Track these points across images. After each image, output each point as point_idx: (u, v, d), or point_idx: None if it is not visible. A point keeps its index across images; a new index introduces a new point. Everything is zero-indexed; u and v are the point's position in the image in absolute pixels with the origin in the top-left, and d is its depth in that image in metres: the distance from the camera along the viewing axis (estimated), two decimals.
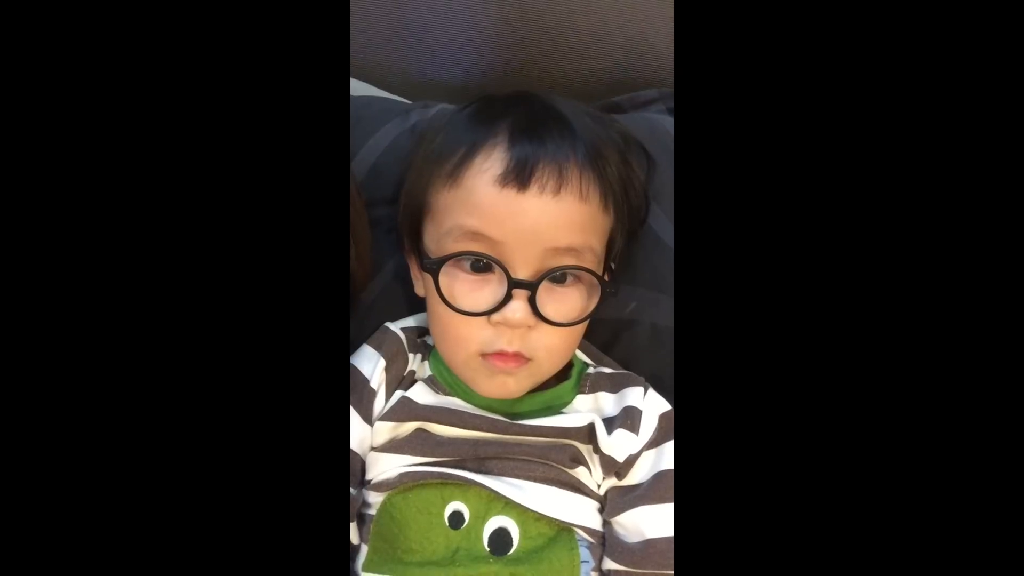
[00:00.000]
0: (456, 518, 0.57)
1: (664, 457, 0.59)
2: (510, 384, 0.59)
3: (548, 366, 0.60)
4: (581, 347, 0.66)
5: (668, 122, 0.74)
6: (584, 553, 0.58)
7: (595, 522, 0.60)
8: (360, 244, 0.65)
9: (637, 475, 0.60)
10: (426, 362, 0.64)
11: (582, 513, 0.59)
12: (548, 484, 0.59)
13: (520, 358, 0.58)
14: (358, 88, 0.82)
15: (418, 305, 0.66)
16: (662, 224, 0.69)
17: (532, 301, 0.56)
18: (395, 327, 0.64)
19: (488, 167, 0.56)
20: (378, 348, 0.63)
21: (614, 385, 0.64)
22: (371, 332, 0.64)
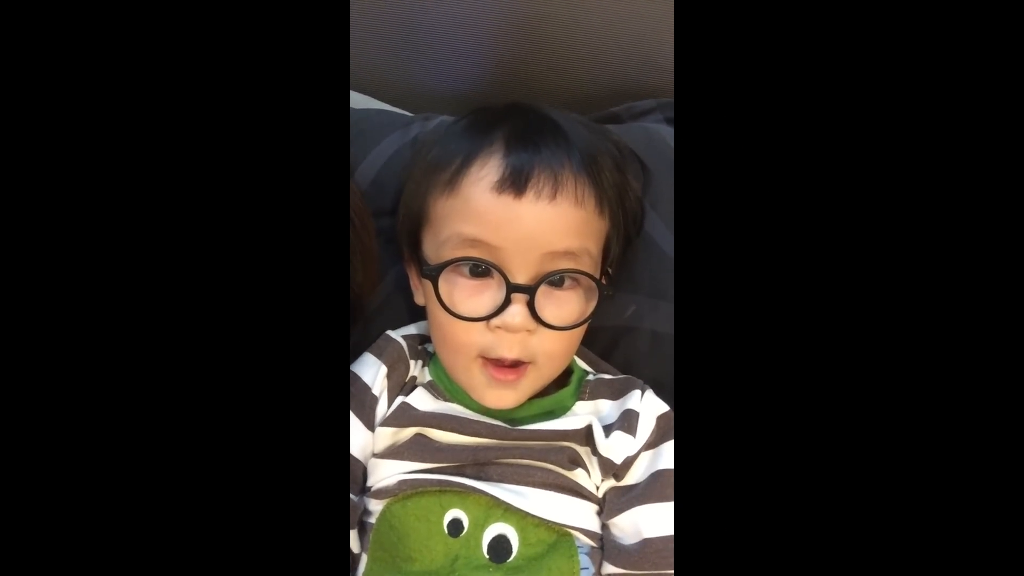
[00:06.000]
0: (455, 526, 0.57)
1: (661, 457, 0.59)
2: (509, 396, 0.60)
3: (548, 370, 0.61)
4: (580, 354, 0.67)
5: (666, 131, 0.74)
6: (584, 560, 0.58)
7: (594, 525, 0.60)
8: (367, 255, 0.65)
9: (634, 475, 0.60)
10: (426, 368, 0.65)
11: (581, 516, 0.59)
12: (547, 489, 0.59)
13: (519, 366, 0.59)
14: (360, 101, 0.83)
15: (418, 314, 0.67)
16: (660, 232, 0.69)
17: (531, 305, 0.57)
18: (396, 335, 0.65)
19: (485, 175, 0.57)
20: (379, 355, 0.63)
21: (614, 392, 0.64)
22: (373, 341, 0.65)
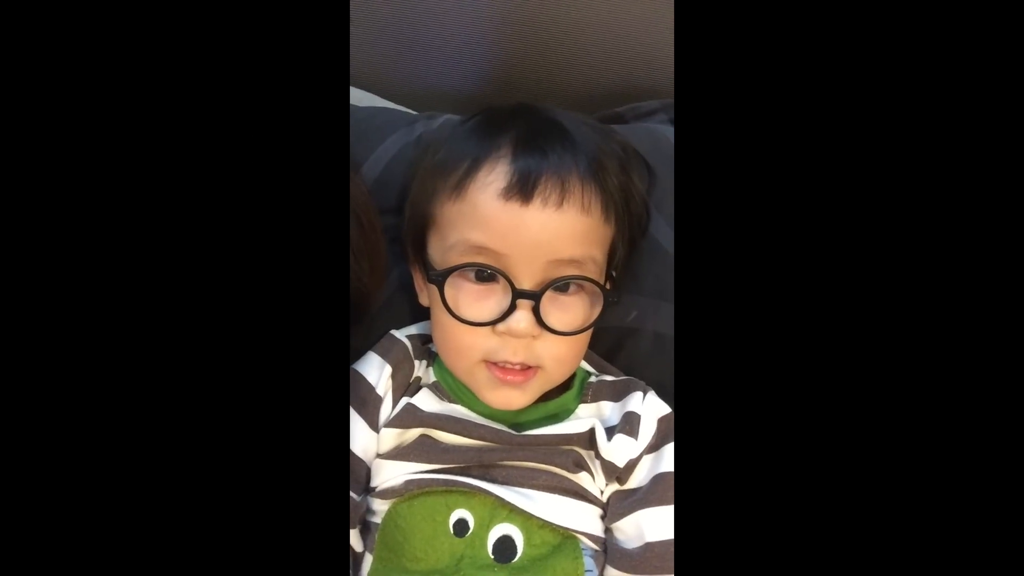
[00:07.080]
0: (461, 526, 0.58)
1: (663, 460, 0.60)
2: (516, 397, 0.60)
3: (558, 375, 0.61)
4: (584, 356, 0.67)
5: (670, 132, 0.74)
6: (588, 562, 0.58)
7: (598, 529, 0.60)
8: (375, 253, 0.65)
9: (637, 479, 0.60)
10: (431, 368, 0.65)
11: (586, 520, 0.60)
12: (552, 492, 0.59)
13: (525, 369, 0.59)
14: (363, 99, 0.82)
15: (422, 313, 0.67)
16: (665, 233, 0.69)
17: (536, 311, 0.57)
18: (400, 335, 0.65)
19: (492, 180, 0.57)
20: (384, 355, 0.63)
21: (616, 393, 0.64)
22: (376, 340, 0.65)
